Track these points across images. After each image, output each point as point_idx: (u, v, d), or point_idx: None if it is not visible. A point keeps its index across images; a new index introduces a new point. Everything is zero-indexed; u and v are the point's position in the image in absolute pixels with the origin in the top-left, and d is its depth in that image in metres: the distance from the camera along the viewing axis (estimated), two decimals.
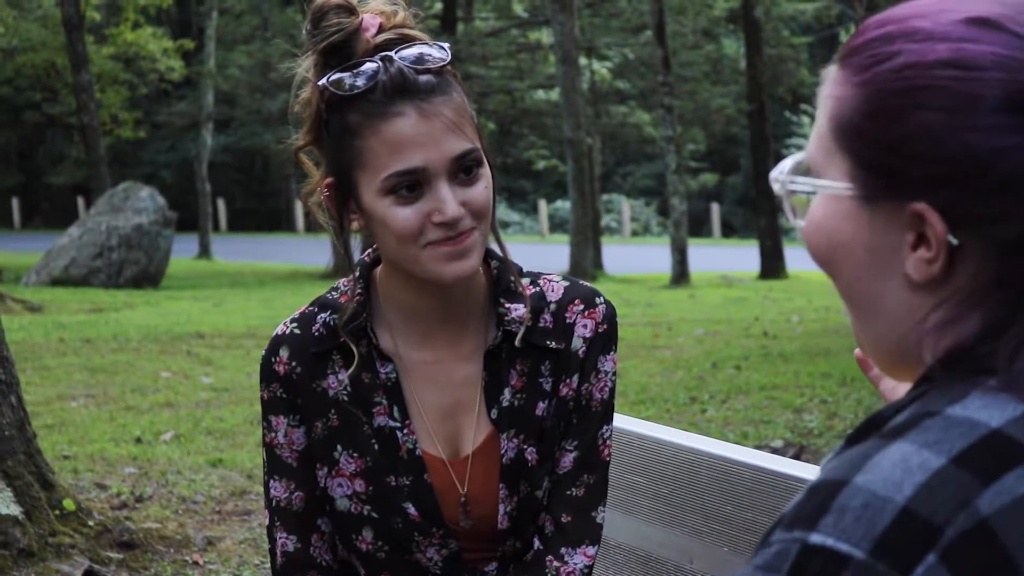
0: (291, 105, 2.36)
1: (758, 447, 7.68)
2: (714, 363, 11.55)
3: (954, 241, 1.30)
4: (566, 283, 2.46)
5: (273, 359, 2.37)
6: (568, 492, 2.43)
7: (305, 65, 2.31)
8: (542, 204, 46.40)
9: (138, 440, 8.68)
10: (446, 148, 2.21)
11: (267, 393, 2.38)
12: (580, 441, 2.43)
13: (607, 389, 2.45)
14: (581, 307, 2.42)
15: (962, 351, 1.32)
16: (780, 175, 1.44)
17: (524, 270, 2.45)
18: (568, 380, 2.41)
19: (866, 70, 1.35)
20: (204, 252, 34.51)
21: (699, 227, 45.41)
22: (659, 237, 44.37)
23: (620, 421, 3.03)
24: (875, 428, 1.31)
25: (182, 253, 30.51)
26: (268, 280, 26.37)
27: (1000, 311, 1.31)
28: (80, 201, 44.38)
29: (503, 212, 48.43)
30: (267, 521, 2.44)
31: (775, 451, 7.72)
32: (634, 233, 47.29)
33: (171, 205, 25.05)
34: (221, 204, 48.07)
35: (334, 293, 2.42)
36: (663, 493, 2.95)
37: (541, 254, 27.85)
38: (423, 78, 2.23)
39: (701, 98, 38.75)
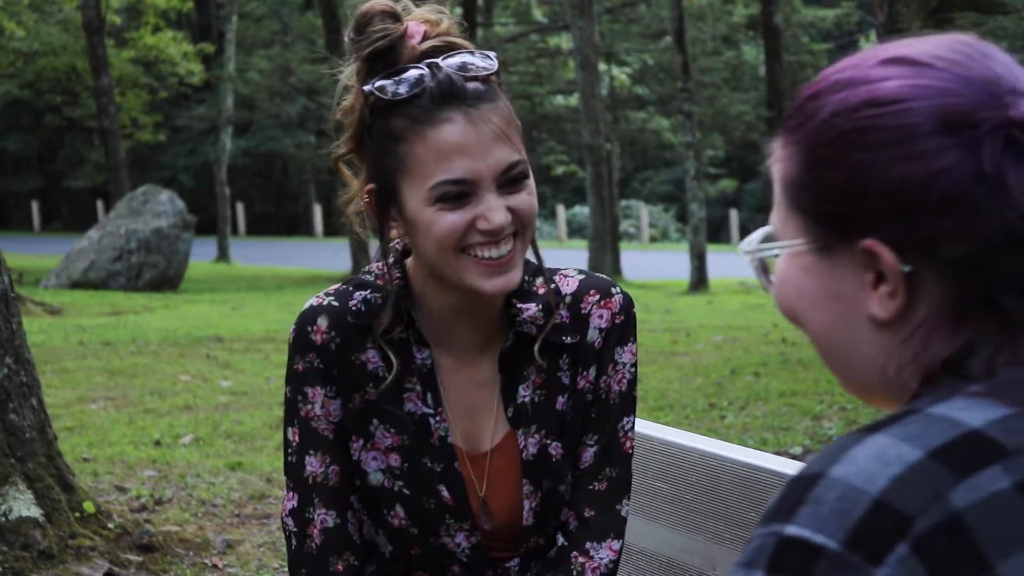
0: (332, 112, 2.35)
1: (777, 454, 7.67)
2: (733, 369, 11.54)
3: (906, 268, 1.33)
4: (581, 276, 2.45)
5: (310, 328, 2.34)
6: (591, 487, 2.42)
7: (348, 72, 2.30)
8: (560, 209, 46.40)
9: (157, 443, 8.69)
10: (494, 158, 2.21)
11: (302, 364, 2.34)
12: (600, 435, 2.43)
13: (626, 381, 2.43)
14: (596, 298, 2.41)
15: (943, 369, 1.34)
16: (749, 246, 1.49)
17: (542, 267, 2.43)
18: (585, 372, 2.41)
19: (799, 129, 1.40)
20: (223, 256, 34.55)
21: (718, 233, 45.33)
22: (678, 243, 44.33)
23: (643, 427, 3.03)
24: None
25: (201, 256, 30.56)
26: (286, 284, 26.40)
27: (970, 329, 1.33)
28: (99, 204, 44.51)
29: None
30: (293, 503, 2.38)
31: (795, 458, 7.71)
32: (652, 239, 47.24)
33: (190, 209, 25.10)
34: (240, 208, 48.16)
35: (368, 276, 2.40)
36: (685, 499, 2.94)
37: (559, 259, 27.48)
38: (471, 85, 2.23)
39: (720, 104, 38.77)
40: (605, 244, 25.21)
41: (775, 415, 9.37)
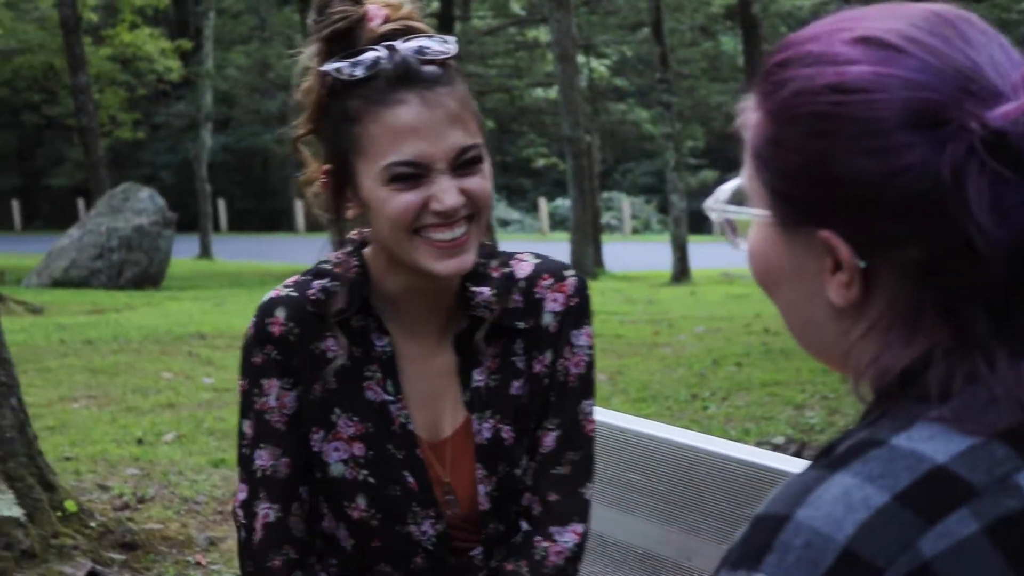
0: (292, 93, 2.36)
1: (760, 444, 7.68)
2: (715, 360, 11.56)
3: (862, 264, 1.29)
4: (536, 260, 2.45)
5: (267, 320, 2.34)
6: (553, 471, 2.42)
7: (308, 53, 2.31)
8: (542, 202, 46.38)
9: (140, 441, 8.69)
10: (448, 141, 2.22)
11: (260, 357, 2.35)
12: (561, 419, 2.42)
13: (583, 363, 2.43)
14: (550, 281, 2.41)
15: (903, 379, 1.30)
16: (714, 204, 1.44)
17: (497, 251, 2.43)
18: (541, 357, 2.41)
19: (768, 97, 1.35)
20: (205, 252, 34.48)
21: (699, 224, 45.28)
22: (659, 234, 44.32)
23: (617, 419, 3.04)
24: (828, 453, 1.29)
25: (183, 253, 30.47)
26: (269, 280, 26.33)
27: (927, 338, 1.30)
28: (80, 203, 44.34)
29: (503, 210, 48.39)
30: (242, 496, 2.39)
31: (776, 448, 7.73)
32: (634, 230, 47.25)
33: (171, 206, 25.02)
34: (221, 204, 48.03)
35: (326, 265, 2.40)
36: (660, 491, 2.95)
37: (542, 252, 27.60)
38: (427, 68, 2.24)
39: (700, 95, 38.79)
40: (587, 236, 25.21)
41: (757, 405, 9.39)
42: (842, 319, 1.34)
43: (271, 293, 2.38)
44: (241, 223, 50.80)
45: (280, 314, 2.34)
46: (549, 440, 2.42)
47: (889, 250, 1.29)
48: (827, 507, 1.21)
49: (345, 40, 2.26)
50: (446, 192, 2.21)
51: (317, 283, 2.37)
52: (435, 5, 34.14)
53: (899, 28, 1.30)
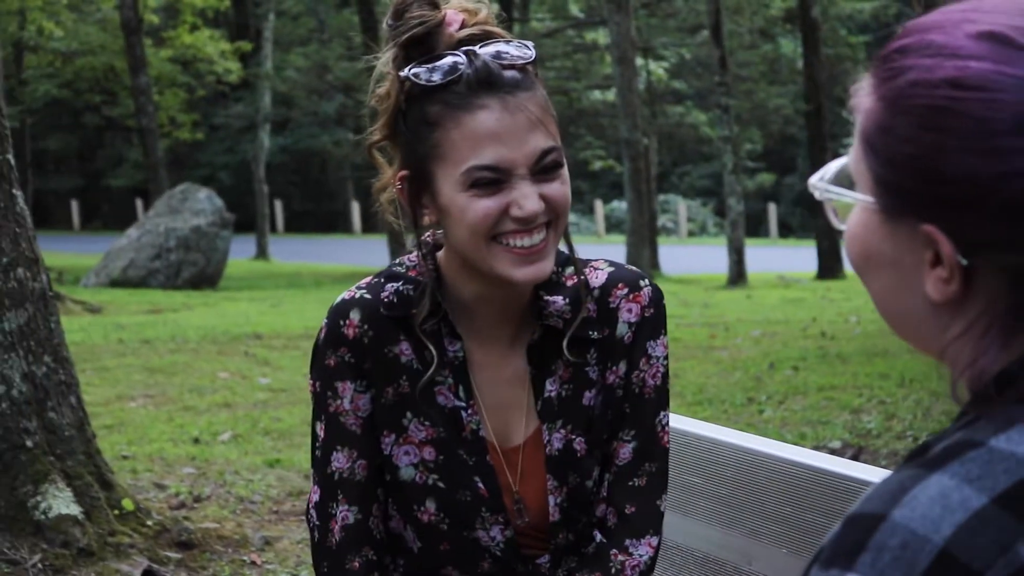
0: (368, 99, 2.35)
1: (816, 448, 7.64)
2: (771, 364, 11.50)
3: (964, 262, 1.27)
4: (611, 268, 2.43)
5: (342, 322, 2.33)
6: (630, 483, 2.40)
7: (384, 59, 2.30)
8: (599, 204, 46.35)
9: (196, 440, 8.72)
10: (529, 145, 2.20)
11: (333, 359, 2.33)
12: (638, 430, 2.40)
13: (659, 375, 2.41)
14: (625, 291, 2.39)
15: (1000, 380, 1.27)
16: (818, 182, 1.42)
17: (573, 258, 2.40)
18: (615, 367, 2.39)
19: (884, 83, 1.33)
20: (261, 253, 34.64)
21: (756, 227, 45.22)
22: (716, 237, 44.24)
23: (677, 421, 3.02)
24: (923, 453, 1.28)
25: (240, 254, 30.64)
26: (325, 281, 26.45)
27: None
28: (139, 203, 44.67)
29: None
30: (316, 498, 2.38)
31: (833, 452, 7.68)
32: (691, 233, 47.16)
33: (229, 207, 25.17)
34: (278, 205, 48.27)
35: (399, 268, 2.38)
36: (721, 494, 2.93)
37: (597, 255, 27.32)
38: (508, 73, 2.22)
39: (758, 98, 38.64)
40: (643, 239, 25.17)
41: (814, 409, 9.33)
42: (939, 314, 1.32)
43: (344, 295, 2.37)
44: (298, 224, 51.00)
45: (355, 316, 2.33)
46: (625, 452, 2.40)
47: (993, 252, 1.26)
48: (924, 508, 1.20)
49: (423, 45, 2.25)
50: (527, 198, 2.19)
51: (390, 286, 2.35)
52: (494, 8, 34.15)
53: (1021, 25, 1.28)
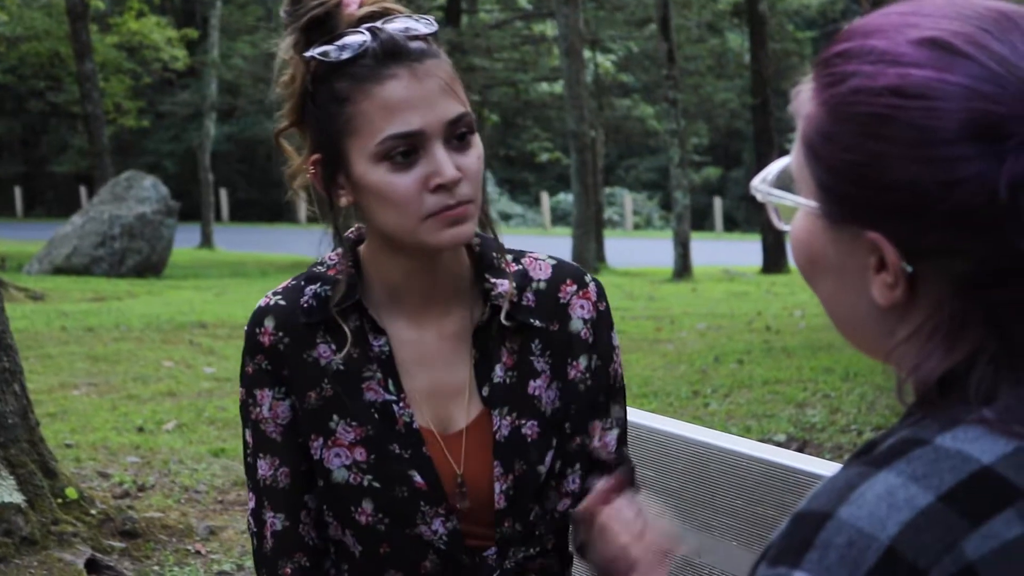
0: (272, 89, 2.34)
1: (762, 441, 7.67)
2: (716, 357, 11.54)
3: (908, 269, 1.27)
4: (553, 262, 2.43)
5: (258, 330, 2.32)
6: (616, 469, 2.40)
7: (285, 45, 2.29)
8: (545, 197, 46.38)
9: (140, 429, 8.68)
10: (441, 110, 2.19)
11: (251, 366, 2.33)
12: (616, 417, 2.43)
13: (619, 363, 2.44)
14: (574, 288, 2.39)
15: (945, 381, 1.28)
16: (760, 185, 1.41)
17: (507, 248, 2.40)
18: (574, 362, 2.38)
19: (826, 89, 1.32)
20: (206, 242, 34.48)
21: (702, 221, 45.35)
22: (661, 231, 44.35)
23: (630, 415, 3.02)
24: (869, 451, 1.28)
25: (184, 243, 30.49)
26: (270, 270, 26.36)
27: (970, 344, 1.27)
28: (83, 190, 44.37)
29: (506, 204, 48.38)
30: (252, 505, 2.37)
31: (778, 445, 7.70)
32: (636, 226, 47.28)
33: (174, 195, 25.05)
34: (224, 194, 48.08)
35: (320, 267, 2.37)
36: (672, 487, 2.94)
37: (543, 247, 27.36)
38: (413, 43, 2.22)
39: (705, 92, 38.79)
40: (589, 231, 25.22)
41: (759, 402, 9.38)
42: (885, 318, 1.32)
43: (261, 301, 2.36)
44: (243, 213, 50.82)
45: (269, 324, 2.32)
46: (610, 439, 2.42)
47: (938, 259, 1.26)
48: (870, 506, 1.20)
49: (324, 27, 2.24)
50: (444, 164, 2.18)
51: (309, 289, 2.34)
52: None
53: (967, 31, 1.27)
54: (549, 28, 35.49)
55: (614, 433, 2.42)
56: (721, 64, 39.04)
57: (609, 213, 44.75)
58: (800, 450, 7.70)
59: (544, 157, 40.96)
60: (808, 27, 42.34)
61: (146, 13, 35.41)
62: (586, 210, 24.96)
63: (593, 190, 26.41)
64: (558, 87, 35.27)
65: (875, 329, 1.34)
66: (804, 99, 1.36)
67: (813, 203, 1.34)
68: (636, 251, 32.73)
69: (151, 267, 23.59)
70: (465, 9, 35.14)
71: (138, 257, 23.48)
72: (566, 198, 44.73)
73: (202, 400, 9.81)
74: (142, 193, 23.74)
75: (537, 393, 2.36)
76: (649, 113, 39.45)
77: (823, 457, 7.22)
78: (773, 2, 33.78)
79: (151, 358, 11.90)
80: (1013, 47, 1.26)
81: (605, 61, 38.85)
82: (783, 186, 1.39)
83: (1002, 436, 1.23)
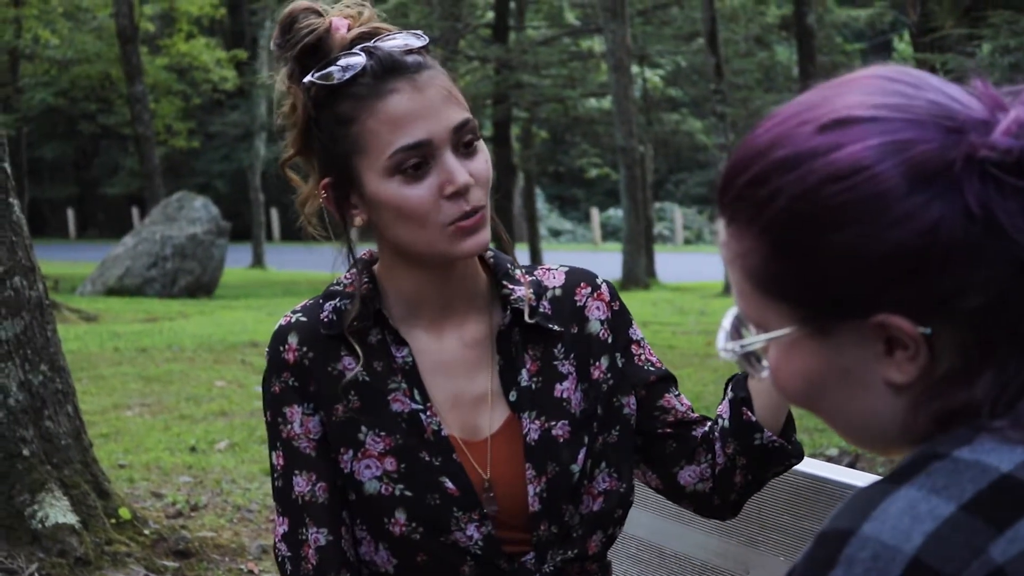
0: (275, 120, 2.37)
1: (812, 455, 7.63)
2: None
3: (925, 331, 1.26)
4: (565, 269, 2.47)
5: (281, 348, 2.34)
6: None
7: (281, 76, 2.32)
8: (594, 212, 46.36)
9: (193, 449, 8.72)
10: (445, 118, 2.22)
11: (278, 385, 2.34)
12: (675, 385, 2.48)
13: (651, 350, 2.49)
14: (589, 290, 2.43)
15: (965, 413, 1.28)
16: (728, 345, 1.41)
17: (516, 259, 2.45)
18: (597, 363, 2.40)
19: (757, 218, 1.31)
20: (257, 261, 34.64)
21: None
22: (712, 245, 44.23)
23: None
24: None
25: (236, 263, 30.64)
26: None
27: (992, 364, 1.27)
28: (135, 211, 44.64)
29: (556, 220, 48.40)
30: (283, 529, 2.34)
31: (830, 459, 7.67)
32: (687, 241, 47.19)
33: (225, 215, 25.17)
34: (274, 213, 48.24)
35: (337, 287, 2.40)
36: None
37: (593, 262, 27.58)
38: (409, 57, 2.25)
39: (754, 105, 38.58)
40: (639, 247, 25.19)
41: (810, 416, 9.31)
42: (903, 393, 1.31)
43: (281, 320, 2.38)
44: (294, 232, 50.85)
45: (292, 340, 2.34)
46: (687, 402, 2.49)
47: (949, 306, 1.26)
48: (893, 520, 1.21)
49: (317, 53, 2.27)
50: (456, 171, 2.21)
51: (328, 304, 2.37)
52: (489, 15, 34.19)
53: (858, 100, 1.28)
54: (597, 44, 35.50)
55: (682, 398, 2.48)
56: (770, 77, 38.90)
57: (659, 228, 44.71)
58: (852, 464, 7.66)
59: (593, 173, 40.89)
60: (856, 39, 42.19)
61: (195, 35, 35.62)
62: (636, 225, 24.93)
63: (643, 205, 26.39)
64: (606, 103, 35.25)
65: (891, 414, 1.33)
66: (731, 246, 1.35)
67: (788, 329, 1.33)
68: (686, 266, 32.67)
69: (203, 287, 23.70)
70: (513, 26, 35.16)
71: (190, 277, 23.59)
72: (616, 214, 44.69)
73: (254, 419, 9.84)
74: (193, 214, 23.86)
75: (565, 396, 2.38)
76: (698, 127, 39.33)
77: (875, 472, 7.18)
78: (821, 15, 33.67)
79: (203, 378, 11.95)
80: (905, 96, 1.28)
81: (653, 76, 38.81)
82: (740, 335, 1.40)
83: (1018, 445, 1.24)
